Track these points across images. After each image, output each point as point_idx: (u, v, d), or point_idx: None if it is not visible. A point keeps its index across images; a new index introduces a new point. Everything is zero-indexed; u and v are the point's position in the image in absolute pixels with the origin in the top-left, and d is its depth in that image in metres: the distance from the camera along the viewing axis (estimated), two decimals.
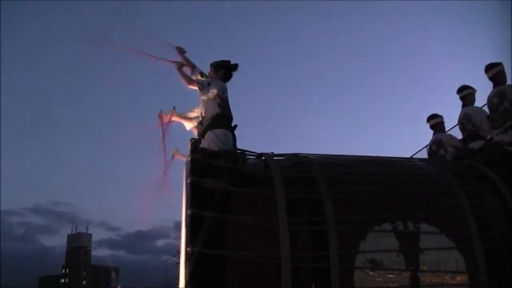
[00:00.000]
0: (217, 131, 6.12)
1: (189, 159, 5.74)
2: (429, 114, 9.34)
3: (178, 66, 7.04)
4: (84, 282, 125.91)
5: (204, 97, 6.51)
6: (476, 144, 7.84)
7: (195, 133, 6.91)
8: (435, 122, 9.10)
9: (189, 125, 7.28)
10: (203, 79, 6.94)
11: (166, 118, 7.27)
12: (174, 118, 7.29)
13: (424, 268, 5.34)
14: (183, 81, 6.84)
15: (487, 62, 7.43)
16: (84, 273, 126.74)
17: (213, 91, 6.45)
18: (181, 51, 7.36)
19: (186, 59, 7.32)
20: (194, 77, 7.03)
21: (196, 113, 7.03)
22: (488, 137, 7.61)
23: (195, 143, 6.21)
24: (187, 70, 7.19)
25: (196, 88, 6.59)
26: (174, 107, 7.39)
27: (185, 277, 4.95)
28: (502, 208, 5.92)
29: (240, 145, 6.34)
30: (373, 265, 5.23)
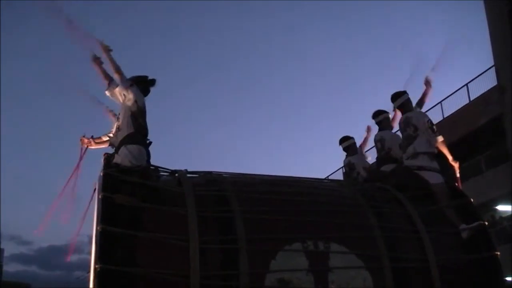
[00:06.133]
0: (130, 146, 6.00)
1: (101, 174, 5.65)
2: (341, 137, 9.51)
3: (94, 58, 6.61)
4: None
5: (124, 101, 6.27)
6: (388, 167, 8.07)
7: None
8: (347, 144, 9.28)
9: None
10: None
11: (85, 143, 7.03)
12: (92, 146, 7.04)
13: (332, 286, 5.43)
14: (100, 76, 6.55)
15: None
16: None
17: (130, 96, 6.28)
18: (106, 48, 6.54)
19: (111, 59, 6.55)
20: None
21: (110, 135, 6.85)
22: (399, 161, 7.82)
23: (108, 158, 6.12)
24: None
25: (118, 79, 6.39)
26: (92, 136, 7.10)
27: None
28: (410, 230, 6.09)
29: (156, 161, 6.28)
30: (282, 284, 5.27)
